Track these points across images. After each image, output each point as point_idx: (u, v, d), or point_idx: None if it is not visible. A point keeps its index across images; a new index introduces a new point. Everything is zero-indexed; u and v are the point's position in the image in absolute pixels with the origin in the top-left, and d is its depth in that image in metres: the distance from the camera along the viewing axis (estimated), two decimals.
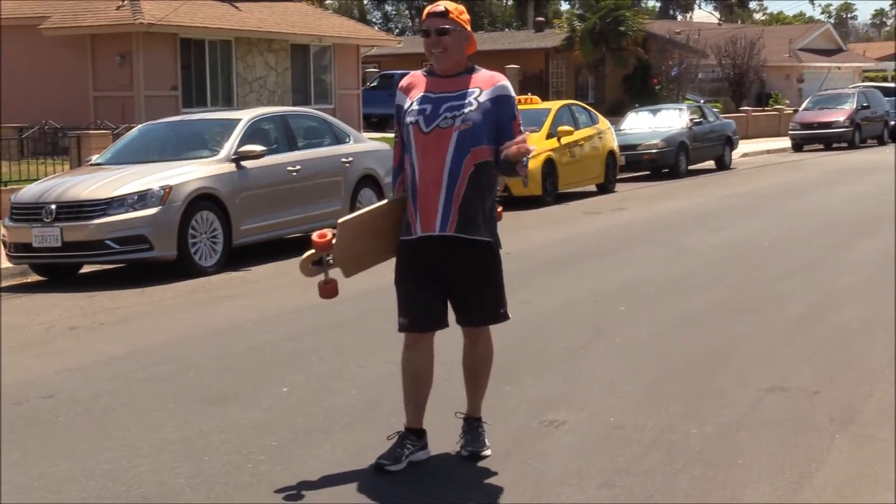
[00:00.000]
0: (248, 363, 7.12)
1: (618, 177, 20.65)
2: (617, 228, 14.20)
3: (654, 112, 25.44)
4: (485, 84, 4.80)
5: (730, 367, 6.55)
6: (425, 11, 4.87)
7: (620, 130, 23.33)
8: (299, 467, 4.94)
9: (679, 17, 73.92)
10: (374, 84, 38.66)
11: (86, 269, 12.01)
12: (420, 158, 4.76)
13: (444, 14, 4.79)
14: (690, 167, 23.62)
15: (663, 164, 23.00)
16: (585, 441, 5.19)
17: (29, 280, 11.68)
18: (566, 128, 18.49)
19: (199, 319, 8.85)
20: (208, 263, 11.38)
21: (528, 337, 7.55)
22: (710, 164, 25.11)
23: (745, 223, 13.91)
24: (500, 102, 4.78)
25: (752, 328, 7.61)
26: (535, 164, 17.48)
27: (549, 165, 17.86)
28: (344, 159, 13.44)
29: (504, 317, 4.99)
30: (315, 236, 4.80)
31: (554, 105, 19.98)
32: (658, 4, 76.15)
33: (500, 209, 4.99)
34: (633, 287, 9.44)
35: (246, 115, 13.03)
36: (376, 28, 56.10)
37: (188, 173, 11.59)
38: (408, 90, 4.90)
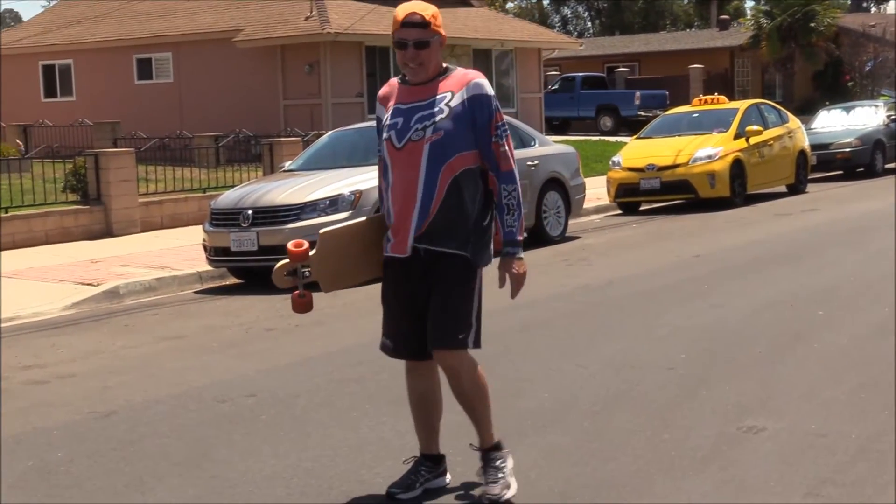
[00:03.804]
0: None
1: (809, 177, 20.03)
2: (809, 230, 13.74)
3: (848, 109, 24.55)
4: (456, 86, 4.42)
5: None
6: (399, 18, 4.38)
7: (811, 129, 22.63)
8: None
9: (873, 10, 71.01)
10: (556, 87, 38.65)
11: None
12: (395, 175, 4.48)
13: (425, 25, 4.36)
14: (887, 166, 22.69)
15: (858, 163, 22.17)
16: (787, 449, 5.04)
17: (227, 283, 12.16)
18: (755, 127, 18.09)
19: None
20: None
21: (722, 341, 7.39)
22: None
23: None
24: (474, 103, 4.40)
25: None
26: (722, 165, 17.15)
27: (738, 166, 17.47)
28: (529, 162, 13.46)
29: (461, 343, 4.46)
30: (290, 245, 4.55)
31: (742, 104, 19.55)
32: None
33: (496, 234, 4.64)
34: (830, 290, 9.12)
35: None
36: (556, 31, 55.95)
37: (377, 178, 11.81)
38: (385, 101, 4.56)
